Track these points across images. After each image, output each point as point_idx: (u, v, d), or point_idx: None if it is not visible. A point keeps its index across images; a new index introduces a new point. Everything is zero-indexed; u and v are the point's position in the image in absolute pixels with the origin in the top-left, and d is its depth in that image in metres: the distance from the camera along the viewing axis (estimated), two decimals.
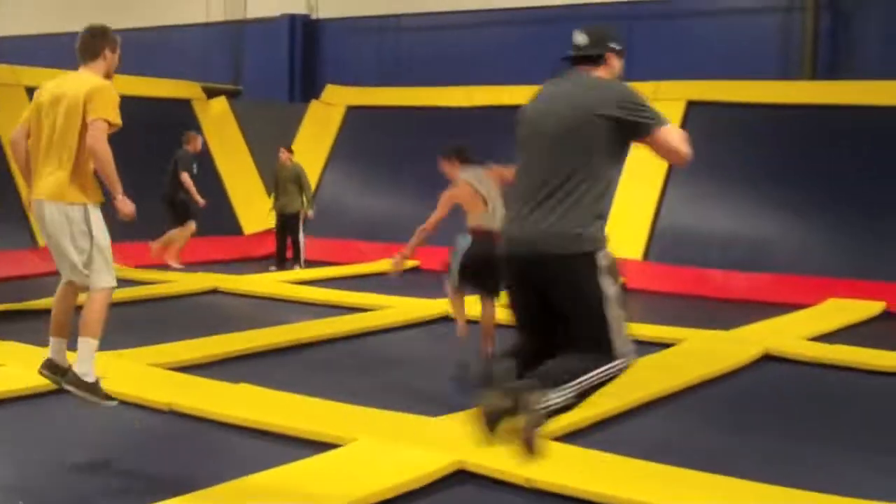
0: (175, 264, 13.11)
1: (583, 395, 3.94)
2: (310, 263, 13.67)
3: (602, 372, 3.94)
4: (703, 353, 8.30)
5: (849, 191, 12.41)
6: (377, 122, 15.78)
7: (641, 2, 15.14)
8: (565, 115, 3.98)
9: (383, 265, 13.42)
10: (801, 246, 12.21)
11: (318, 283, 12.30)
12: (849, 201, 12.32)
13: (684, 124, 13.49)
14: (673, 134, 4.00)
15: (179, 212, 13.10)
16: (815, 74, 13.75)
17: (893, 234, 11.94)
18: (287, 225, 13.74)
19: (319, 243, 14.50)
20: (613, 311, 3.95)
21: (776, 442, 6.28)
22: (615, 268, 3.98)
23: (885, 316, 10.82)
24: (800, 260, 12.05)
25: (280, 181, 13.76)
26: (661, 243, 13.00)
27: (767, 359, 8.44)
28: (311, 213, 13.83)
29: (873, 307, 10.83)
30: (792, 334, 9.26)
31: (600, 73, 4.15)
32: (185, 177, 12.91)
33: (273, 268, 13.67)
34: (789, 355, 8.48)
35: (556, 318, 4.04)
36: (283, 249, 13.83)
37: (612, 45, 4.20)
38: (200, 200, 13.00)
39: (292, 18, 18.37)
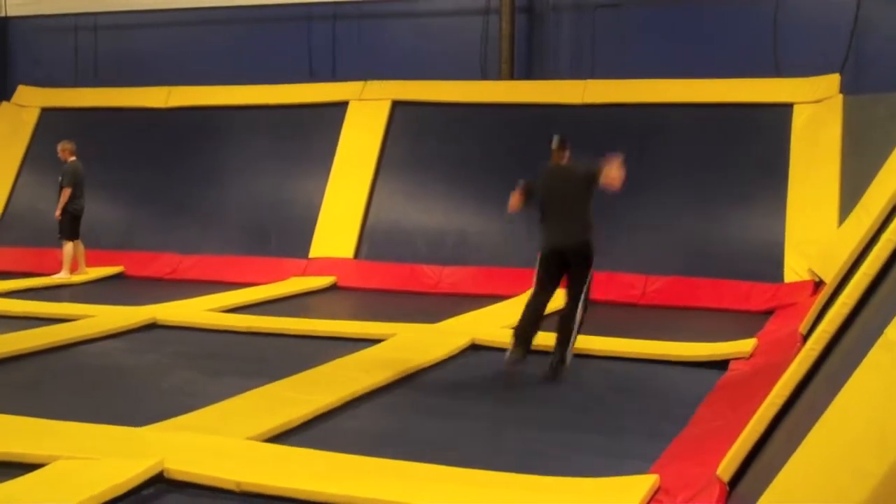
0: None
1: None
2: (3, 274, 12.88)
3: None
4: (413, 346, 8.45)
5: None
6: (75, 124, 15.08)
7: (345, 2, 15.23)
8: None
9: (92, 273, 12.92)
10: (503, 239, 12.66)
11: (16, 294, 11.59)
12: None
13: (390, 123, 13.72)
14: None
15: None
16: (513, 74, 14.31)
17: None
18: None
19: (13, 252, 13.79)
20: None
21: (491, 426, 6.47)
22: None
23: None
24: (502, 252, 12.50)
25: None
26: (371, 241, 13.16)
27: (474, 348, 8.72)
28: None
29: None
30: (496, 323, 9.59)
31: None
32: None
33: None
34: (494, 343, 8.78)
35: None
36: None
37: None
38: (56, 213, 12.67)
39: None
